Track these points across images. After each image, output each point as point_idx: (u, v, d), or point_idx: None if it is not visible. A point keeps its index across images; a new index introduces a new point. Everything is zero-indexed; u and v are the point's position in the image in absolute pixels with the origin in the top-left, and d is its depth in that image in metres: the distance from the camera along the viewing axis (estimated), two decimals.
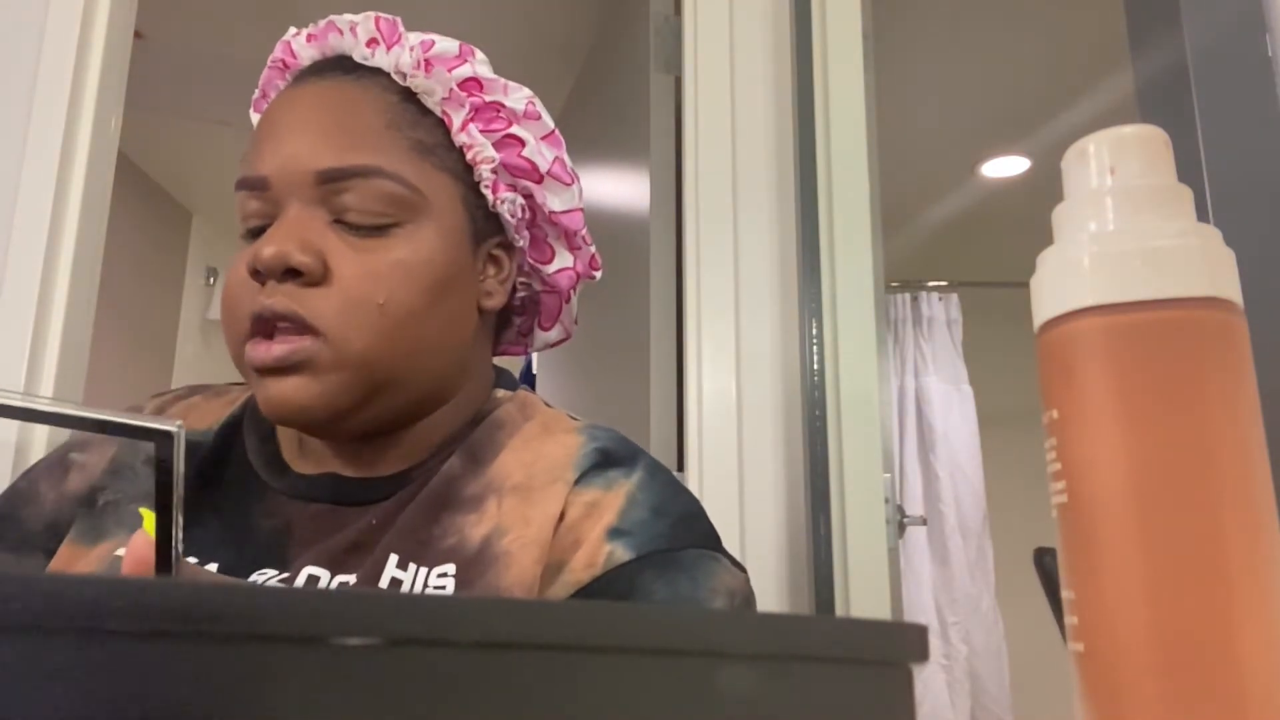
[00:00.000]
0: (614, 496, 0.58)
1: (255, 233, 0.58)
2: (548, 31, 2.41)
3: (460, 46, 0.62)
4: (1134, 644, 0.29)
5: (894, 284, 3.31)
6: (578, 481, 0.59)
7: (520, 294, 0.68)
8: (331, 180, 0.56)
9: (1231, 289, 0.30)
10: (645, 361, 1.49)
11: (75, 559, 0.58)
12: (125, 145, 1.55)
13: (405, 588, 0.54)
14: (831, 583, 1.27)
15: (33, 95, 1.39)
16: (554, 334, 0.72)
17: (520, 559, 0.55)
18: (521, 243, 0.65)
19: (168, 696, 0.15)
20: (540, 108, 0.65)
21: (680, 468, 1.42)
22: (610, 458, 0.61)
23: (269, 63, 0.65)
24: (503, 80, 0.63)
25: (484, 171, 0.61)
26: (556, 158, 0.65)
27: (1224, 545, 0.28)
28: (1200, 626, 0.28)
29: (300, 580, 0.56)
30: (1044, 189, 3.06)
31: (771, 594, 1.34)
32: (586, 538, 0.56)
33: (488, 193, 0.61)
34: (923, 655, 0.22)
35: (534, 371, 2.43)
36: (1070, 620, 0.31)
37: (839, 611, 1.26)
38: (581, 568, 0.56)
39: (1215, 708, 0.27)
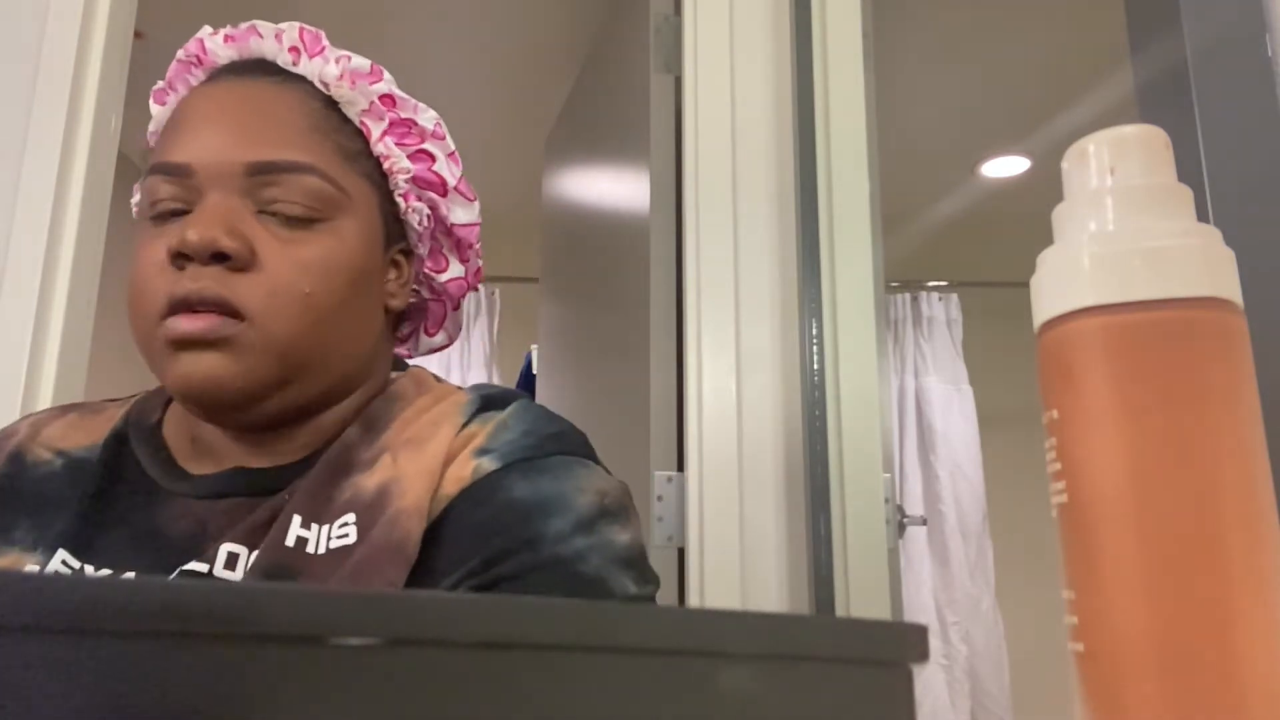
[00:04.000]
0: (485, 427, 0.61)
1: (163, 217, 0.59)
2: (548, 31, 2.41)
3: (371, 65, 0.65)
4: (1134, 644, 0.29)
5: (894, 284, 3.31)
6: (463, 426, 0.61)
7: (410, 300, 0.71)
8: (262, 173, 0.58)
9: (1231, 289, 0.30)
10: (645, 361, 1.49)
11: None
12: (125, 145, 1.55)
13: (310, 546, 0.55)
14: (831, 583, 1.27)
15: (33, 95, 1.39)
16: (439, 339, 0.75)
17: (411, 488, 0.57)
18: (422, 251, 0.69)
19: (165, 696, 0.15)
20: (445, 130, 0.69)
21: (680, 468, 1.42)
22: (491, 402, 0.64)
23: (179, 56, 0.66)
24: (412, 100, 0.67)
25: (400, 181, 0.65)
26: (461, 176, 0.69)
27: (1224, 546, 0.28)
28: (1200, 626, 0.28)
29: (219, 558, 0.56)
30: (1044, 189, 3.07)
31: (771, 594, 1.34)
32: (458, 462, 0.59)
33: (401, 201, 0.65)
34: (923, 655, 0.22)
35: (534, 372, 2.43)
36: (1070, 620, 0.31)
37: (839, 612, 1.26)
38: (451, 483, 0.58)
39: (1215, 707, 0.27)
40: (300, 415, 0.62)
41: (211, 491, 0.60)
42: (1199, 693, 0.28)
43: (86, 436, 0.65)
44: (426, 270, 0.70)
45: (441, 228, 0.69)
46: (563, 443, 0.61)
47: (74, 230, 1.37)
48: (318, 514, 0.57)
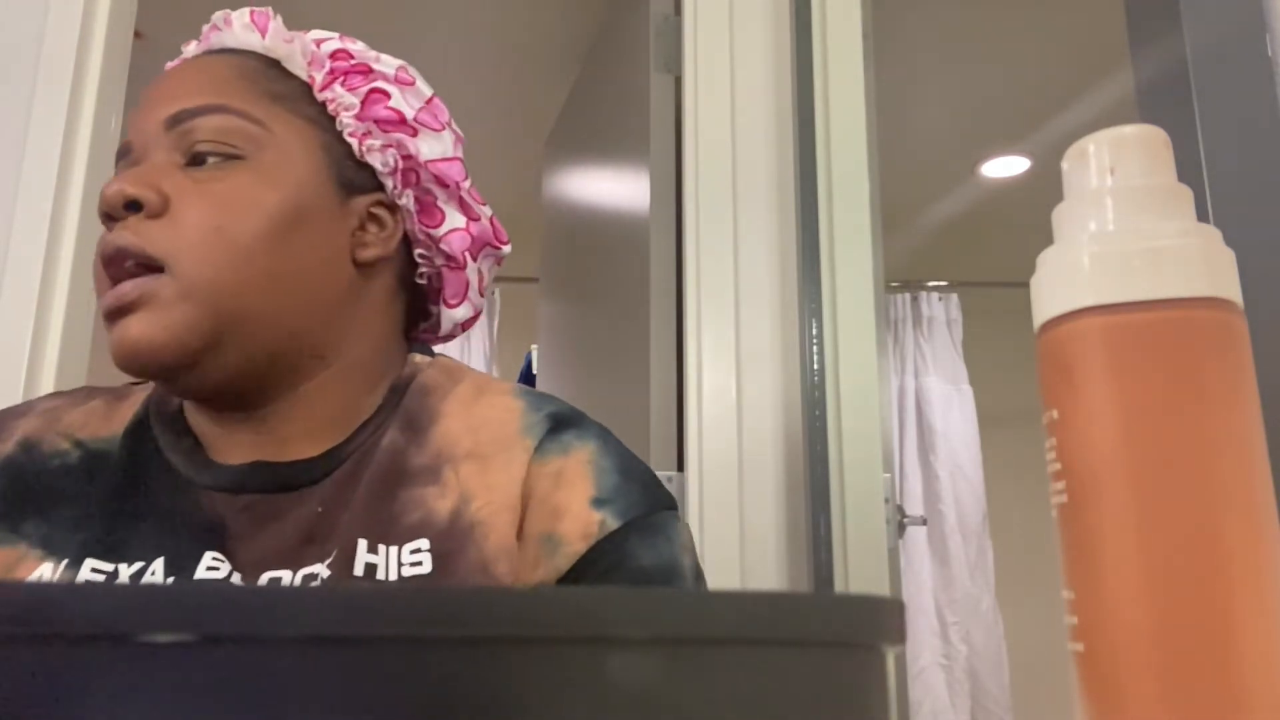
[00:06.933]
0: (576, 463, 0.60)
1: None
2: (548, 31, 2.41)
3: (339, 35, 0.65)
4: (1134, 644, 0.29)
5: (894, 284, 3.31)
6: (537, 450, 0.60)
7: (423, 269, 0.68)
8: (178, 123, 0.58)
9: (1231, 289, 0.30)
10: (645, 361, 1.49)
11: None
12: None
13: (380, 572, 0.54)
14: (832, 583, 1.27)
15: (33, 95, 1.39)
16: (462, 311, 0.71)
17: (496, 525, 0.57)
18: (405, 201, 0.65)
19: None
20: (415, 75, 0.66)
21: (680, 468, 1.42)
22: (560, 422, 0.62)
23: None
24: (373, 53, 0.65)
25: (346, 119, 0.62)
26: (423, 107, 0.65)
27: (1224, 545, 0.28)
28: (1200, 626, 0.28)
29: (263, 584, 0.54)
30: (1044, 189, 3.06)
31: None
32: (569, 508, 0.59)
33: (353, 141, 0.62)
34: (898, 636, 0.19)
35: (534, 371, 2.43)
36: (1070, 620, 0.31)
37: None
38: (578, 538, 0.58)
39: (1215, 707, 0.27)
40: (266, 380, 0.59)
41: (230, 485, 0.59)
42: (1199, 693, 0.28)
43: (107, 426, 0.63)
44: (424, 228, 0.66)
45: (418, 168, 0.65)
46: (659, 492, 0.63)
47: (74, 230, 1.37)
48: (384, 534, 0.55)
